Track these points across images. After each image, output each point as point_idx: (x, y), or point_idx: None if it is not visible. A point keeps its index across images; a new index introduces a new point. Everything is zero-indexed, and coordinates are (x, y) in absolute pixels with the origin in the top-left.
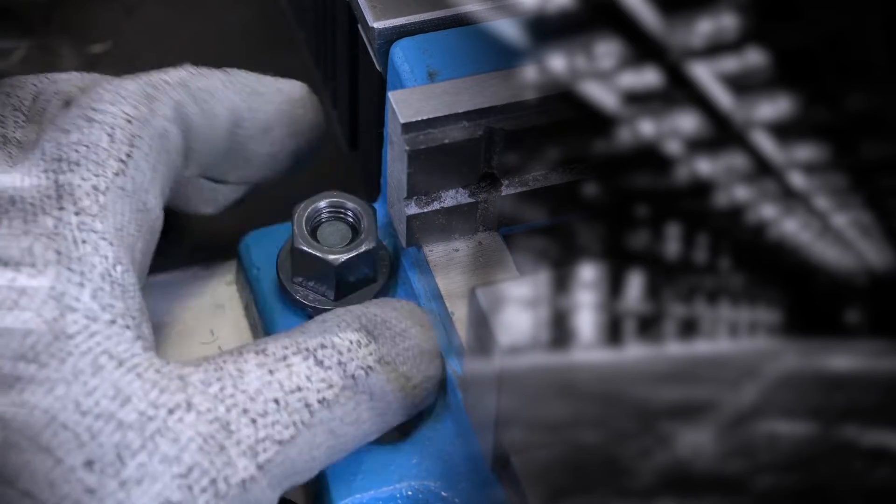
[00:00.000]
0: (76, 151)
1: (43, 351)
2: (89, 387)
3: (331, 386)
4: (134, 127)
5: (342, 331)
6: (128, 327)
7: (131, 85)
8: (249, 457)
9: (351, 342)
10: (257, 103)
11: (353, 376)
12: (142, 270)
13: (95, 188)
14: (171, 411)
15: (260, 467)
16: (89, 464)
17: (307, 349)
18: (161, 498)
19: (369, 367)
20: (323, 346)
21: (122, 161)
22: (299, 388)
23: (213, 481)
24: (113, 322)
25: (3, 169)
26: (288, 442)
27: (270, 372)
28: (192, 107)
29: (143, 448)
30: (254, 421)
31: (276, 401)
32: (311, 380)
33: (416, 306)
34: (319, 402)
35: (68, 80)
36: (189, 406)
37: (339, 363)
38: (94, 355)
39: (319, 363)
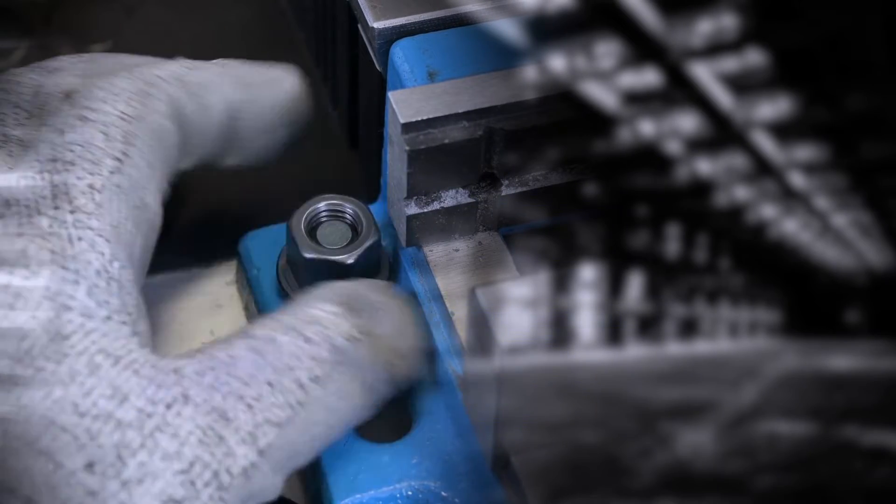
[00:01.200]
0: (71, 151)
1: (39, 354)
2: (86, 387)
3: (320, 362)
4: (129, 125)
5: (323, 305)
6: (124, 323)
7: (125, 82)
8: (249, 444)
9: (334, 314)
10: (251, 94)
11: (340, 349)
12: (141, 267)
13: (91, 186)
14: (168, 406)
15: (261, 453)
16: (90, 466)
17: (293, 327)
18: (164, 496)
19: (354, 338)
20: (308, 322)
21: (118, 159)
22: (290, 368)
23: (216, 473)
24: (109, 318)
25: (1, 169)
26: (286, 423)
27: (261, 355)
28: (188, 102)
29: (143, 446)
30: (250, 406)
31: (270, 383)
32: (300, 358)
33: (388, 284)
34: (311, 379)
35: (68, 71)
36: (186, 399)
37: (325, 337)
38: (91, 354)
39: (307, 340)
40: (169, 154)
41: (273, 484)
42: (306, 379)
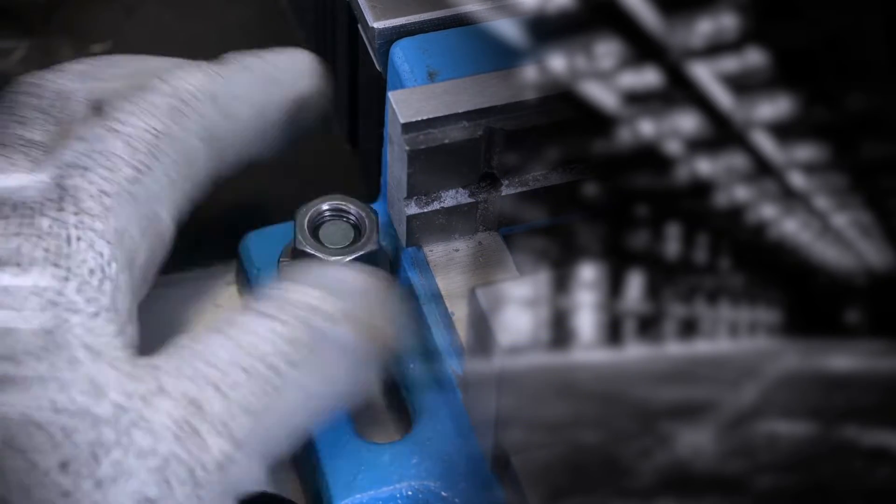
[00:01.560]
0: (90, 158)
1: (21, 350)
2: (64, 382)
3: (297, 346)
4: (157, 140)
5: (300, 290)
6: (111, 321)
7: (157, 98)
8: (224, 435)
9: (311, 298)
10: (276, 92)
11: (320, 331)
12: (142, 277)
13: (102, 191)
14: (144, 399)
15: (237, 443)
16: (64, 465)
17: (268, 313)
18: (138, 495)
19: (336, 320)
20: (282, 308)
21: (138, 169)
22: (266, 353)
23: (191, 470)
24: (96, 315)
25: (18, 172)
26: (262, 411)
27: (236, 343)
28: (220, 120)
29: (118, 444)
30: (225, 395)
31: (245, 370)
32: (275, 342)
33: (374, 270)
34: (288, 363)
35: (93, 77)
36: (161, 391)
37: (303, 320)
38: (72, 349)
39: (283, 323)
40: (195, 172)
41: (252, 474)
42: (281, 363)
